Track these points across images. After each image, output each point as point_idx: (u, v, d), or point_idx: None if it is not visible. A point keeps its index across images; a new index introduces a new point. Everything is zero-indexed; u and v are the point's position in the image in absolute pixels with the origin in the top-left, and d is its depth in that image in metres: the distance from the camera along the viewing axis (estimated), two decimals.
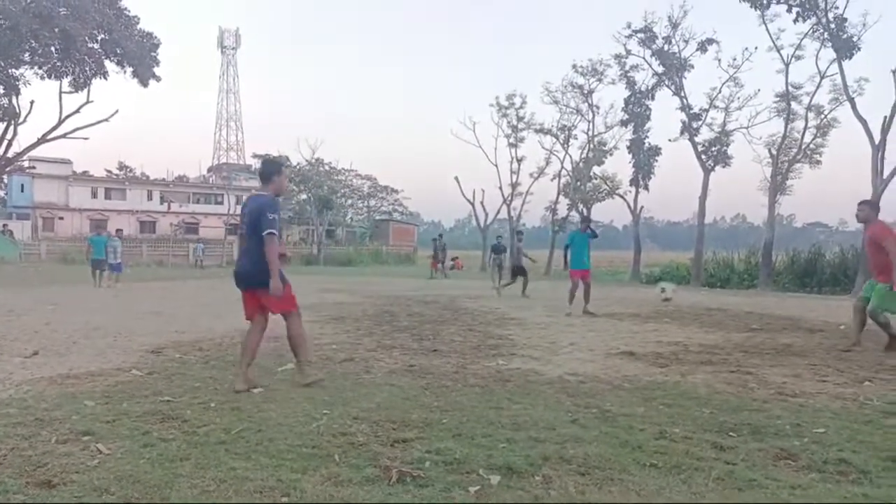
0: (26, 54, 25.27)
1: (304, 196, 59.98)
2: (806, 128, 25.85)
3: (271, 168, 5.20)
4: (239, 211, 5.22)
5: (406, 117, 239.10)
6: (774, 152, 26.39)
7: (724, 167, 28.61)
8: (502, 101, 39.49)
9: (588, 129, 36.13)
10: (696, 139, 28.63)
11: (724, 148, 28.34)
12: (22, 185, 52.41)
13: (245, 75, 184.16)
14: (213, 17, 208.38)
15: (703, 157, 28.32)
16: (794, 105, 25.93)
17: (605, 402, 4.66)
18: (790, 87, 25.62)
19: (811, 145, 26.58)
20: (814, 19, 23.60)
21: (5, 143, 26.15)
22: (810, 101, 25.46)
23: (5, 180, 49.74)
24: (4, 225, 43.93)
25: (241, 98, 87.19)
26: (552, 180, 39.53)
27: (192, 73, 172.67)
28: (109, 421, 3.91)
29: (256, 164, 71.14)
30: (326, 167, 57.57)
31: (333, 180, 59.83)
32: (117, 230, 22.88)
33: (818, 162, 27.29)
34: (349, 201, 73.90)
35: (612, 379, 5.59)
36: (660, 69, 29.91)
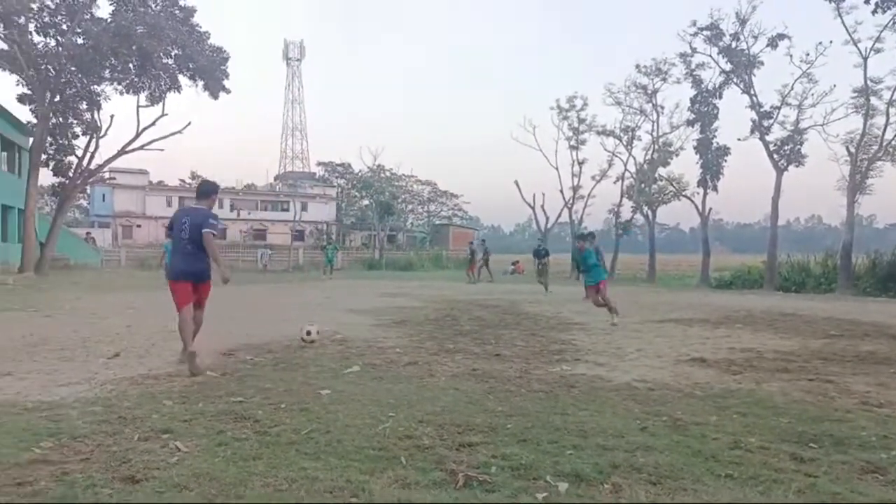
0: (106, 71, 26.64)
1: (365, 202, 61.03)
2: (887, 123, 24.35)
3: (211, 188, 6.26)
4: (187, 218, 5.98)
5: (466, 122, 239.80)
6: (853, 150, 25.01)
7: (797, 167, 27.29)
8: (563, 104, 39.02)
9: (652, 130, 35.20)
10: (768, 138, 27.44)
11: (798, 146, 27.06)
12: (103, 195, 55.72)
13: (309, 84, 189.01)
14: (279, 29, 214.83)
15: (776, 156, 27.15)
16: (873, 100, 24.48)
17: (675, 409, 4.53)
18: (869, 82, 24.26)
19: (893, 142, 25.12)
20: (894, 10, 22.32)
21: (88, 155, 27.60)
22: (892, 95, 24.02)
23: (88, 191, 52.81)
24: (88, 233, 46.69)
25: (305, 108, 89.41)
26: (615, 183, 38.64)
27: (259, 84, 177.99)
28: (186, 420, 4.07)
29: (321, 171, 72.99)
30: (387, 173, 58.37)
31: (394, 186, 60.62)
32: None
33: None
34: (409, 206, 74.88)
35: (683, 386, 5.44)
36: (727, 67, 28.86)
